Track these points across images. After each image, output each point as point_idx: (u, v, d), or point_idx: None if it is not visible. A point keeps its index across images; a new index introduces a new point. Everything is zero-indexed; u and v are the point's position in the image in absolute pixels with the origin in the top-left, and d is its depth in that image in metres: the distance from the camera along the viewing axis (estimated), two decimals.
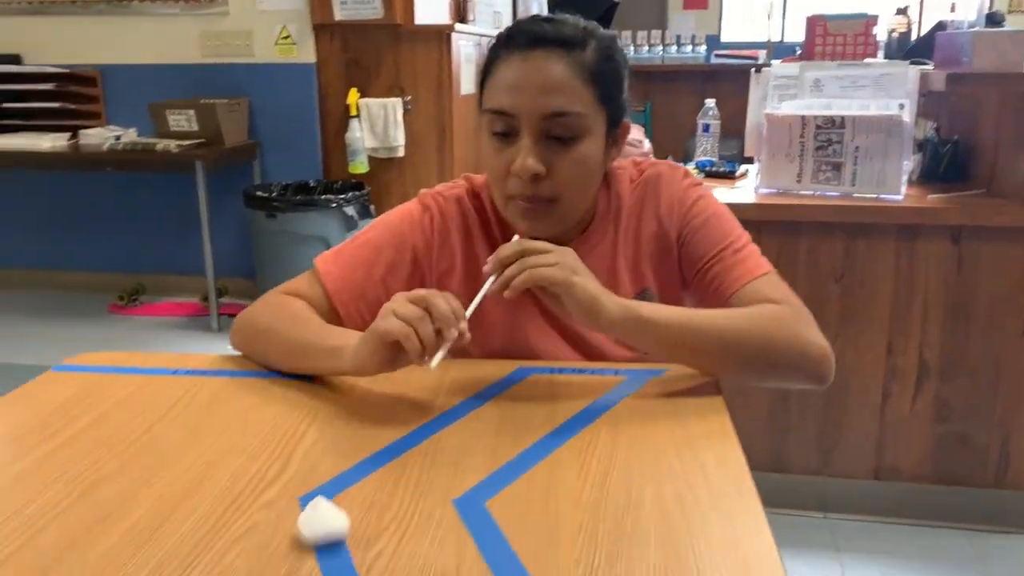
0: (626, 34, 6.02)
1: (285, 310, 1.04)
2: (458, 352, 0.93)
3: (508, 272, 0.88)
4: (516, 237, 0.96)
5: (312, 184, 3.98)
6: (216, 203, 3.81)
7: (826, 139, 2.07)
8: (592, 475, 0.77)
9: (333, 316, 1.06)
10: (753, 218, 1.56)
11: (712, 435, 0.85)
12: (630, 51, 6.00)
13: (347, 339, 0.93)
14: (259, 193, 3.80)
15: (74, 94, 4.10)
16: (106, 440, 0.86)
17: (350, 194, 3.75)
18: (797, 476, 2.16)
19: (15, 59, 4.19)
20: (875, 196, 2.05)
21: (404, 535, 0.68)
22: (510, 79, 0.97)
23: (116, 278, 4.29)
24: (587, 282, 0.89)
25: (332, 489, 0.75)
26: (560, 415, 0.90)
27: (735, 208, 1.15)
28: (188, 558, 0.65)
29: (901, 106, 2.01)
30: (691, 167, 2.41)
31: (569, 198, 1.01)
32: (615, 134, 1.04)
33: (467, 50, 4.10)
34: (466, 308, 0.89)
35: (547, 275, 0.88)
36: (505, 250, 0.90)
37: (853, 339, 2.06)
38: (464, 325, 0.86)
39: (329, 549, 0.66)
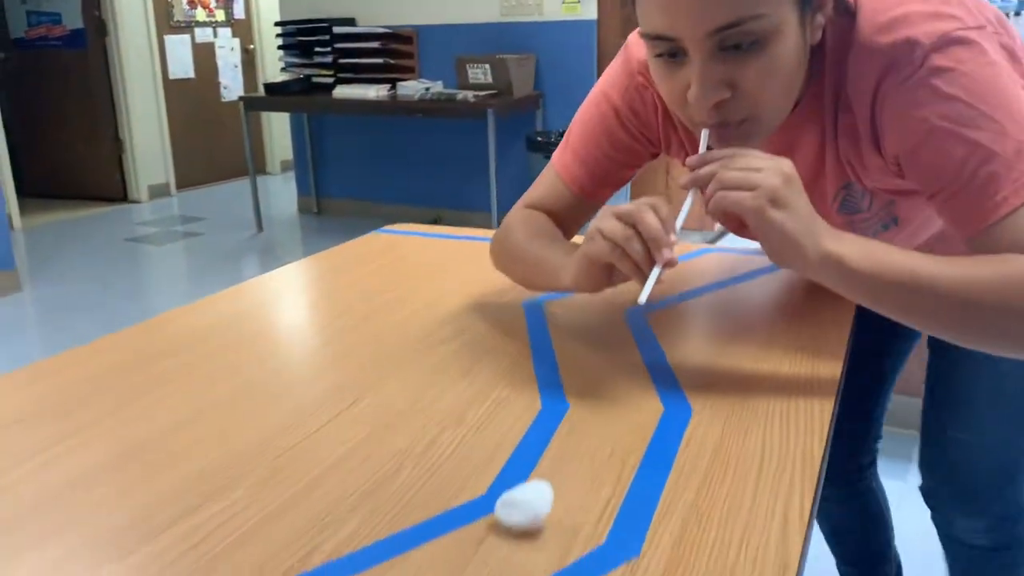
0: None
1: (527, 227, 1.02)
2: None
3: (708, 191, 0.75)
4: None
5: None
6: (503, 147, 4.34)
7: None
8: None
9: (585, 207, 1.04)
10: None
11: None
12: None
13: (570, 256, 0.88)
14: (539, 138, 4.25)
15: (394, 51, 4.81)
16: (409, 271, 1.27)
17: None
18: None
19: (350, 21, 4.98)
20: None
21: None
22: None
23: (419, 211, 5.01)
24: (786, 217, 0.72)
25: None
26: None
27: None
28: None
29: None
30: None
31: (768, 110, 0.79)
32: (813, 2, 0.76)
33: None
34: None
35: (738, 201, 0.72)
36: (701, 161, 0.77)
37: None
38: (674, 239, 0.76)
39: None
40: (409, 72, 4.87)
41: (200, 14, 6.40)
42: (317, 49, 4.88)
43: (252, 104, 5.05)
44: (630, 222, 0.76)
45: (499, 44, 4.57)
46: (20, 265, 4.24)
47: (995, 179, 0.72)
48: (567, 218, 1.04)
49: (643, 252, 0.76)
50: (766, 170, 0.73)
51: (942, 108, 0.73)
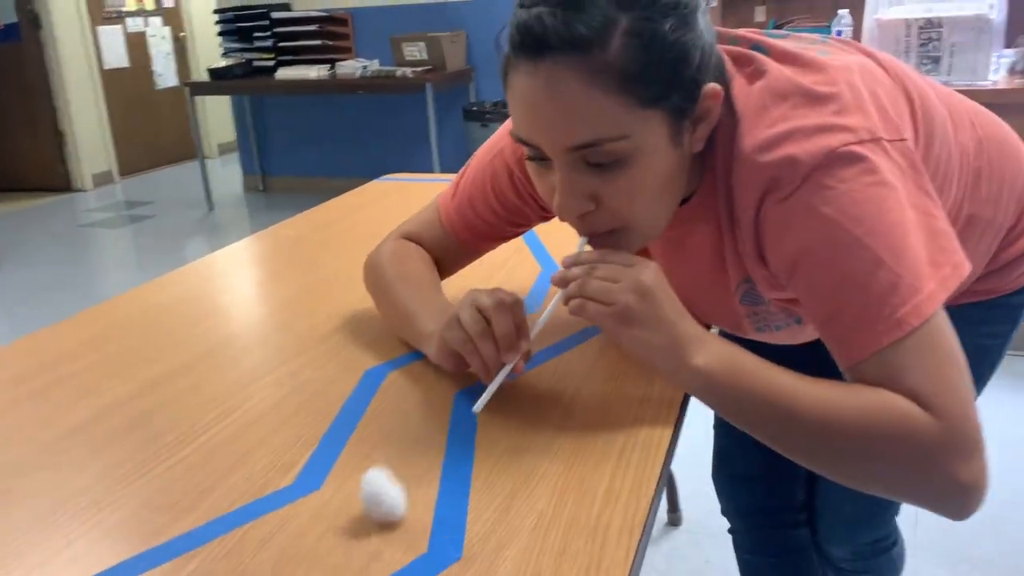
0: None
1: (399, 264, 0.98)
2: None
3: (568, 290, 0.72)
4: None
5: None
6: (441, 118, 4.71)
7: (927, 38, 2.54)
8: None
9: (463, 253, 1.02)
10: None
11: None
12: None
13: (435, 325, 0.86)
14: (475, 108, 4.65)
15: (331, 32, 5.11)
16: None
17: None
18: None
19: (285, 7, 5.25)
20: (968, 83, 2.51)
21: None
22: (521, 99, 0.70)
23: (364, 182, 5.33)
24: (639, 334, 0.69)
25: None
26: None
27: None
28: None
29: (991, 6, 2.45)
30: None
31: (639, 222, 0.74)
32: (693, 115, 0.71)
33: None
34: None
35: (594, 316, 0.71)
36: (573, 261, 0.74)
37: None
38: (525, 345, 0.77)
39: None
40: (346, 52, 5.18)
41: (130, 3, 6.53)
42: (257, 34, 5.14)
43: (197, 89, 5.27)
44: (486, 317, 0.77)
45: (429, 23, 4.92)
46: None
47: (864, 315, 0.66)
48: (444, 258, 1.01)
49: (492, 352, 0.76)
50: (623, 282, 0.70)
51: (819, 230, 0.67)
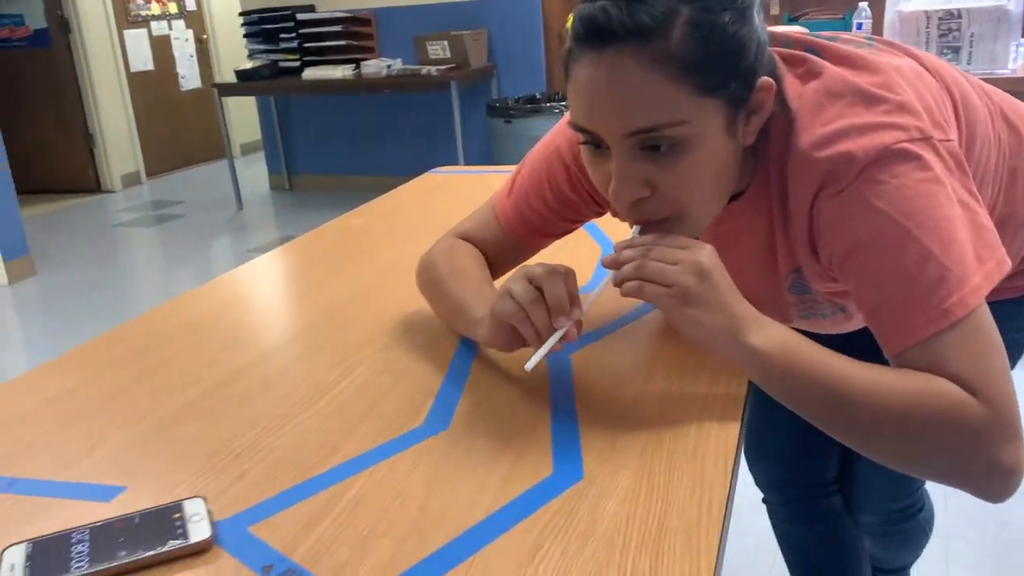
0: None
1: (452, 262, 1.00)
2: None
3: (623, 272, 0.75)
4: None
5: (538, 96, 4.88)
6: (465, 114, 4.82)
7: (947, 28, 2.63)
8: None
9: (519, 251, 1.03)
10: None
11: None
12: None
13: (486, 310, 0.87)
14: (497, 104, 4.75)
15: (355, 33, 5.23)
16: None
17: None
18: None
19: (310, 8, 5.37)
20: (988, 72, 2.59)
21: None
22: (582, 88, 0.73)
23: (389, 180, 5.44)
24: (700, 314, 0.72)
25: None
26: None
27: None
28: None
29: None
30: None
31: (692, 211, 0.77)
32: (748, 106, 0.75)
33: None
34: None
35: (654, 297, 0.73)
36: (626, 245, 0.77)
37: None
38: (578, 313, 0.78)
39: None
40: (370, 52, 5.29)
41: (154, 8, 6.67)
42: (282, 36, 5.26)
43: (225, 91, 5.40)
44: (538, 286, 0.79)
45: (451, 22, 5.03)
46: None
47: (912, 305, 0.69)
48: (499, 257, 1.03)
49: (545, 319, 0.78)
50: (682, 264, 0.72)
51: (870, 223, 0.71)
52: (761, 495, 1.43)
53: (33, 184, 6.31)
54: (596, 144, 0.75)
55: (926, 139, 0.71)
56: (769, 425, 1.31)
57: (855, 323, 0.94)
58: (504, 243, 1.02)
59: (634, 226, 0.79)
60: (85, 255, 4.74)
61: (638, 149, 0.73)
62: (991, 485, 0.68)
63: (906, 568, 1.46)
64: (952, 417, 0.67)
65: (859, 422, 0.70)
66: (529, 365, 0.77)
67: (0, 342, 3.61)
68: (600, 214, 0.99)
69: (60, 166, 6.35)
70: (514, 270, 0.85)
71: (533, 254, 1.04)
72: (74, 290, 4.14)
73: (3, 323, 3.84)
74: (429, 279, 1.02)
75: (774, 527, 1.44)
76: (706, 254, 0.73)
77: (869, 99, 0.74)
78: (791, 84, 0.78)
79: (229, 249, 4.64)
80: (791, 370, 0.71)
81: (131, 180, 6.53)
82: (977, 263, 0.70)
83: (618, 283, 0.75)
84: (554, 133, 0.99)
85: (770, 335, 0.72)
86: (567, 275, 0.80)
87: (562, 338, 0.77)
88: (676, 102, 0.70)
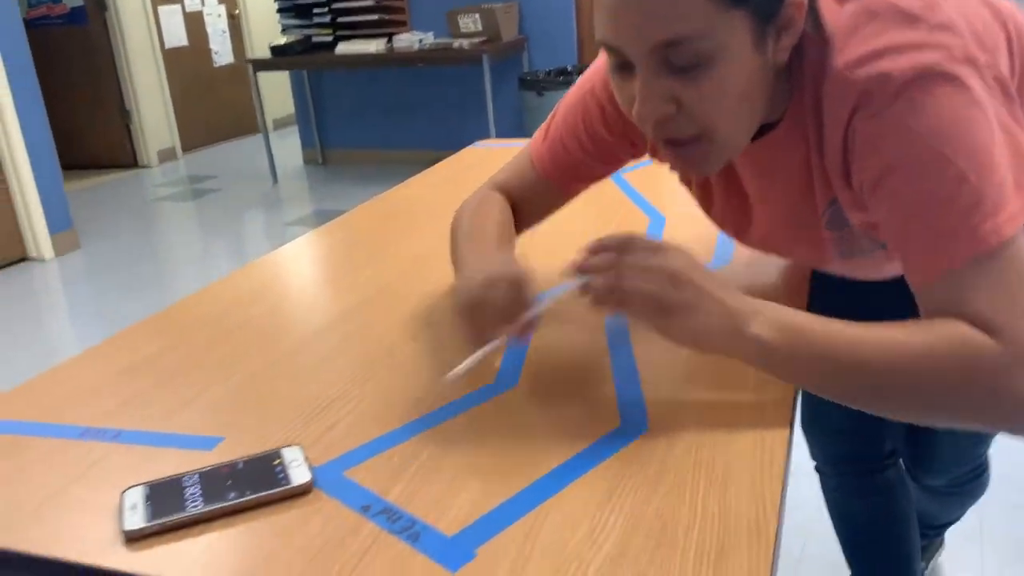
0: None
1: (476, 215, 1.00)
2: None
3: (594, 283, 0.73)
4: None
5: (569, 69, 4.89)
6: (496, 88, 4.84)
7: None
8: None
9: (555, 196, 1.04)
10: None
11: None
12: None
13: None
14: (529, 78, 4.77)
15: (387, 7, 5.25)
16: None
17: None
18: None
19: None
20: None
21: None
22: (607, 4, 0.71)
23: (422, 153, 5.50)
24: (687, 321, 0.71)
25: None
26: None
27: None
28: None
29: None
30: None
31: (720, 131, 0.74)
32: (777, 21, 0.71)
33: None
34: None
35: (632, 316, 0.73)
36: (598, 251, 0.75)
37: None
38: (513, 330, 0.77)
39: None
40: (402, 26, 5.32)
41: None
42: (315, 10, 5.30)
43: (260, 66, 5.46)
44: (487, 286, 0.79)
45: None
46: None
47: (943, 231, 0.67)
48: (534, 204, 1.03)
49: (480, 327, 0.78)
50: (653, 273, 0.71)
51: (906, 146, 0.68)
52: (813, 463, 1.44)
53: (71, 160, 6.42)
54: (622, 65, 0.74)
55: (968, 61, 0.68)
56: (826, 403, 1.34)
57: (894, 266, 0.90)
58: (539, 189, 1.02)
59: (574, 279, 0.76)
60: (126, 229, 4.85)
61: (663, 66, 0.71)
62: (1019, 422, 0.66)
63: (950, 523, 1.51)
64: (968, 368, 0.65)
65: (875, 385, 0.69)
66: (450, 375, 0.76)
67: (52, 313, 3.73)
68: (636, 155, 0.99)
69: (97, 142, 6.46)
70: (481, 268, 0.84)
71: (568, 199, 1.05)
72: (117, 262, 4.24)
73: (53, 294, 3.96)
74: (453, 235, 1.01)
75: (826, 496, 1.45)
76: (676, 258, 0.72)
77: (909, 18, 0.70)
78: (828, 5, 0.75)
79: (266, 222, 4.73)
80: (796, 348, 0.70)
81: (167, 155, 6.64)
82: (1016, 190, 0.67)
83: (592, 300, 0.74)
84: (588, 75, 0.98)
85: (768, 320, 0.71)
86: (521, 280, 0.79)
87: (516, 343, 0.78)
88: (701, 14, 0.67)
